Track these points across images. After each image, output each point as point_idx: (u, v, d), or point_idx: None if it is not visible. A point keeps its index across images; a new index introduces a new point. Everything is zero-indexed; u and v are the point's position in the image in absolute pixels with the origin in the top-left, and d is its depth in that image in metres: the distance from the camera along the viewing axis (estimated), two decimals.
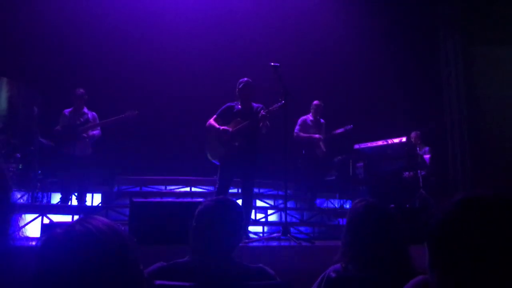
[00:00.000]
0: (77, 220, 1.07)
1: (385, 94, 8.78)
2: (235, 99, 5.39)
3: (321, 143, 7.16)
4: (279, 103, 5.04)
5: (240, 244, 2.06)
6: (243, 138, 5.19)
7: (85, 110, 6.58)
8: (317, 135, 7.11)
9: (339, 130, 7.21)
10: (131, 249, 1.05)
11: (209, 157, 5.32)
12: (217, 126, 5.26)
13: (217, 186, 5.24)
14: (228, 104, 5.41)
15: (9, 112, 6.59)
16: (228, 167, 5.20)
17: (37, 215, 5.40)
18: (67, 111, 6.54)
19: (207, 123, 5.37)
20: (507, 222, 0.98)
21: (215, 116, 5.38)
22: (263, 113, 5.06)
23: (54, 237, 1.02)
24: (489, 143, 8.60)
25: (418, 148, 7.60)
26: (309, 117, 7.31)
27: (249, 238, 4.93)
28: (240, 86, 5.33)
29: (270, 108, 5.09)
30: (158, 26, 8.55)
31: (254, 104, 5.38)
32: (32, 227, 5.33)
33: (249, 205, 5.22)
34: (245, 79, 5.37)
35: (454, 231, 1.01)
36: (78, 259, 0.97)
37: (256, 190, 7.10)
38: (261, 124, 5.08)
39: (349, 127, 7.18)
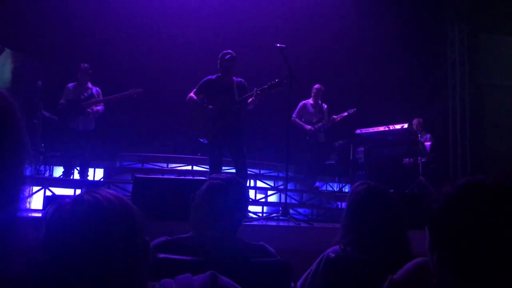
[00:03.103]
0: (85, 191, 1.08)
1: (388, 80, 8.75)
2: (215, 71, 5.24)
3: (321, 133, 7.17)
4: (273, 83, 4.95)
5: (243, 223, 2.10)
6: (228, 114, 5.07)
7: (89, 85, 6.59)
8: (308, 126, 7.09)
9: (343, 114, 7.21)
10: (138, 220, 1.07)
11: (193, 135, 5.21)
12: (199, 101, 5.14)
13: (209, 167, 5.19)
14: (208, 77, 5.26)
15: (13, 84, 6.59)
16: (216, 145, 5.10)
17: (39, 187, 5.46)
18: (71, 85, 6.54)
19: (188, 97, 5.23)
20: (507, 207, 1.01)
21: (195, 89, 5.24)
22: (258, 91, 4.95)
23: (63, 206, 1.02)
24: (490, 132, 8.60)
25: (419, 135, 7.61)
26: (310, 101, 7.29)
27: (247, 217, 4.88)
28: (227, 57, 5.13)
29: (265, 87, 4.96)
30: (165, 3, 8.48)
31: (235, 78, 5.24)
32: (34, 199, 5.39)
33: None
34: (230, 51, 5.19)
35: (455, 214, 1.04)
36: (87, 228, 0.98)
37: (256, 171, 7.16)
38: (250, 100, 5.00)
39: (352, 110, 7.17)
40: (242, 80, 5.26)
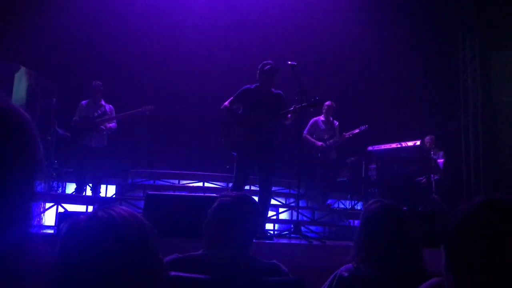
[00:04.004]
0: (99, 207, 1.08)
1: (400, 97, 8.73)
2: (254, 82, 5.03)
3: (332, 150, 7.16)
4: (314, 101, 4.86)
5: (254, 240, 2.08)
6: (264, 128, 4.86)
7: (103, 102, 6.66)
8: (319, 143, 7.07)
9: (354, 131, 7.19)
10: (152, 237, 1.07)
11: (226, 146, 5.04)
12: (233, 112, 4.94)
13: (233, 180, 4.96)
14: (247, 86, 5.02)
15: (28, 101, 6.68)
16: (246, 158, 4.87)
17: (52, 204, 5.49)
18: (84, 102, 6.62)
19: (223, 106, 4.99)
20: None
21: (231, 98, 5.00)
22: (297, 107, 4.77)
23: (78, 223, 1.03)
24: (503, 149, 8.51)
25: (432, 152, 7.55)
26: (321, 118, 7.28)
27: (266, 235, 4.67)
28: (266, 68, 4.90)
29: (305, 105, 4.79)
30: (178, 22, 8.59)
31: (274, 90, 5.03)
32: (47, 215, 5.42)
33: (266, 202, 4.93)
34: (270, 61, 4.96)
35: (473, 232, 1.03)
36: (102, 245, 0.98)
37: None
38: (289, 115, 4.82)
39: (363, 127, 7.15)
40: (281, 92, 5.04)
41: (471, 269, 1.01)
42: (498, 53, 8.91)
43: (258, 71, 4.98)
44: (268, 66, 4.91)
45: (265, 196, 4.90)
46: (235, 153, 4.98)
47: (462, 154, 8.99)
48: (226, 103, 4.98)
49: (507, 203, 1.04)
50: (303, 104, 4.83)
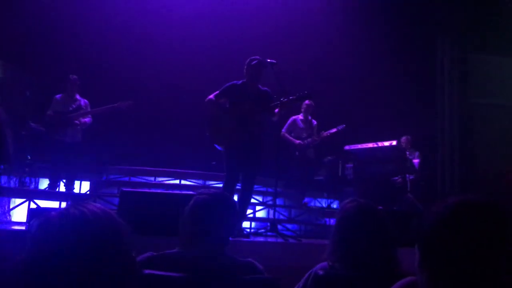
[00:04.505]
0: (71, 204, 1.07)
1: (378, 97, 8.82)
2: (233, 78, 4.97)
3: (310, 148, 7.20)
4: (302, 94, 4.84)
5: (230, 238, 2.07)
6: (250, 123, 4.78)
7: (78, 96, 6.55)
8: (297, 141, 7.10)
9: (332, 130, 7.23)
10: (124, 235, 1.05)
11: (211, 140, 4.88)
12: (220, 106, 4.84)
13: (225, 179, 4.84)
14: (234, 82, 4.95)
15: (1, 94, 6.53)
16: (234, 153, 4.76)
17: (24, 199, 5.37)
18: (59, 96, 6.49)
19: (207, 99, 4.89)
20: (498, 227, 1.01)
21: (217, 92, 4.91)
22: (285, 100, 4.71)
23: (49, 220, 1.01)
24: (478, 150, 8.68)
25: (408, 153, 7.65)
26: (300, 117, 7.32)
27: (243, 234, 4.63)
28: (253, 63, 4.84)
29: (293, 98, 4.76)
30: (154, 16, 8.50)
31: (261, 87, 4.97)
32: (18, 211, 5.31)
33: (247, 199, 4.88)
34: (257, 56, 4.90)
35: (446, 233, 1.04)
36: (73, 242, 0.97)
37: None
38: (277, 110, 4.77)
39: (341, 127, 7.21)
40: (268, 90, 4.99)
41: (444, 268, 1.02)
42: (475, 55, 9.08)
43: (245, 66, 4.93)
44: (256, 61, 4.87)
45: (246, 194, 4.87)
46: (220, 148, 4.87)
47: (437, 154, 9.14)
48: (211, 96, 4.91)
49: (481, 203, 1.05)
50: (291, 98, 4.80)
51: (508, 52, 8.77)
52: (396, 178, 7.43)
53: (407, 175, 7.47)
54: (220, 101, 4.90)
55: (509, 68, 8.94)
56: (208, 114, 4.95)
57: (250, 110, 4.80)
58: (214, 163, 6.74)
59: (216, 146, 4.88)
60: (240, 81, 4.97)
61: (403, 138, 7.90)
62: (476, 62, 9.06)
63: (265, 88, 5.01)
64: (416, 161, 7.73)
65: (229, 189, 4.69)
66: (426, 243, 1.09)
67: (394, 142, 7.08)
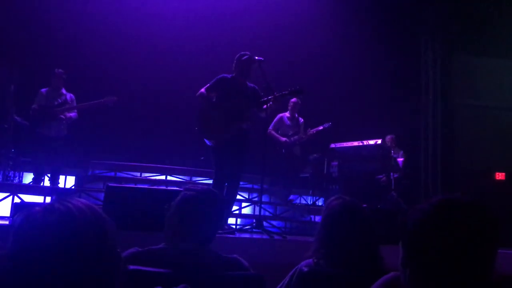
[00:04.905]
0: (56, 199, 1.06)
1: (363, 96, 8.88)
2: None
3: (296, 146, 7.22)
4: (294, 89, 4.86)
5: (216, 234, 2.07)
6: (238, 119, 4.77)
7: (63, 91, 6.48)
8: (283, 139, 7.12)
9: (318, 128, 7.27)
10: (109, 230, 1.05)
11: (201, 134, 4.85)
12: (210, 100, 4.81)
13: (214, 175, 4.83)
14: (224, 75, 4.94)
15: None
16: (222, 148, 4.76)
17: (8, 194, 5.31)
18: (44, 90, 6.41)
19: (198, 93, 4.86)
20: (481, 225, 1.03)
21: (207, 85, 4.89)
22: (276, 95, 4.71)
23: (33, 215, 1.00)
24: (461, 150, 8.80)
25: (392, 151, 7.72)
26: (286, 114, 7.33)
27: (229, 229, 4.66)
28: (244, 58, 4.86)
29: (285, 92, 4.77)
30: (140, 12, 8.44)
31: (249, 83, 4.98)
32: (2, 206, 5.24)
33: (233, 195, 4.90)
34: (248, 52, 4.91)
35: (430, 231, 1.06)
36: (57, 237, 0.96)
37: None
38: (265, 106, 4.75)
39: (327, 125, 7.24)
40: (256, 86, 4.99)
41: (426, 266, 1.04)
42: (459, 56, 9.19)
43: (235, 61, 4.94)
44: (246, 56, 4.89)
45: (232, 190, 4.89)
46: (209, 142, 4.84)
47: (421, 153, 9.24)
48: (202, 89, 4.90)
49: (465, 202, 1.07)
50: (283, 92, 4.82)
51: (492, 53, 8.90)
52: (381, 176, 7.49)
53: (392, 174, 7.53)
54: (211, 94, 4.89)
55: (493, 69, 9.06)
56: (198, 108, 4.93)
57: (239, 105, 4.80)
58: (202, 158, 6.73)
59: (206, 140, 4.87)
60: (230, 76, 4.97)
61: (388, 137, 7.96)
62: (460, 63, 9.17)
63: (253, 85, 5.02)
64: (400, 159, 7.79)
65: (219, 186, 4.70)
66: (410, 240, 1.10)
67: (379, 141, 7.14)
